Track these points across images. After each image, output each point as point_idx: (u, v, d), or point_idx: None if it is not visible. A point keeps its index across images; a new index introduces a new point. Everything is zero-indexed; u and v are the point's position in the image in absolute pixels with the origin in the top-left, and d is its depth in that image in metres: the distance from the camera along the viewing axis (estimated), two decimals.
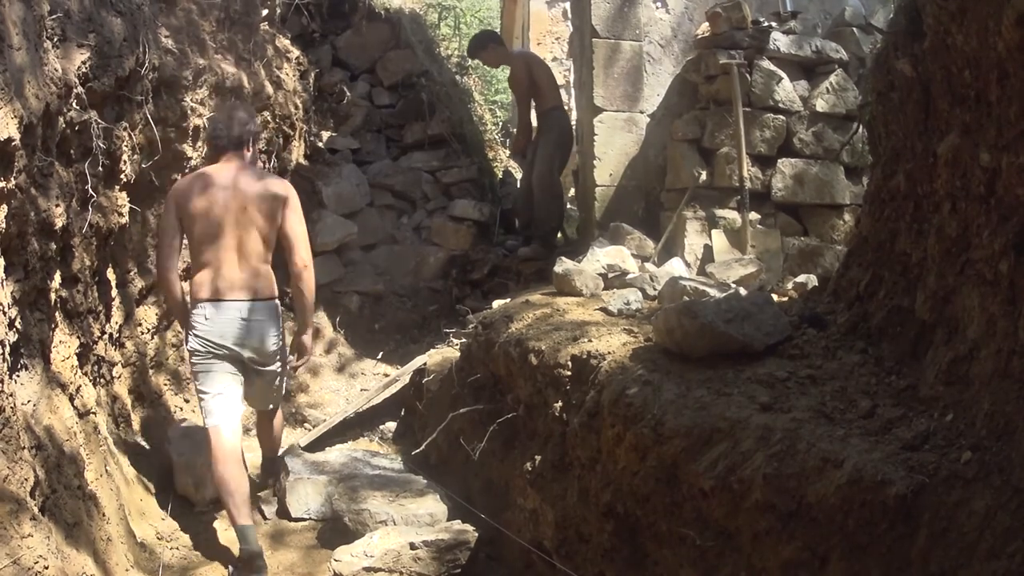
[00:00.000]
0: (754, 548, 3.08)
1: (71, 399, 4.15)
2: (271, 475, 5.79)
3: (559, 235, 8.62)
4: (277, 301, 5.12)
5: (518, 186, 9.29)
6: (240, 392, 5.07)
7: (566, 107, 9.71)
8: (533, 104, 8.37)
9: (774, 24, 6.86)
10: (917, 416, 2.98)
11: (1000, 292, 2.76)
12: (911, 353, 3.38)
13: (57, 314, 4.22)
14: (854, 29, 7.12)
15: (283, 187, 5.13)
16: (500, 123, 12.47)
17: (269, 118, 7.18)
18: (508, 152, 8.85)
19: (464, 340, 6.00)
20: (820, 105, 6.76)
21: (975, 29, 2.80)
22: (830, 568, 2.77)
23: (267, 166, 6.93)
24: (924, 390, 3.11)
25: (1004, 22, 2.58)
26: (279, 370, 5.25)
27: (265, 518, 5.50)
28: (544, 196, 7.94)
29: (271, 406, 5.47)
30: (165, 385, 6.20)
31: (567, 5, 15.86)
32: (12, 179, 3.45)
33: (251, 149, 5.18)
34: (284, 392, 5.54)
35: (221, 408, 4.91)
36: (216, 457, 4.80)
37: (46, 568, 3.01)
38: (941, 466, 2.61)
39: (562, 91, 16.59)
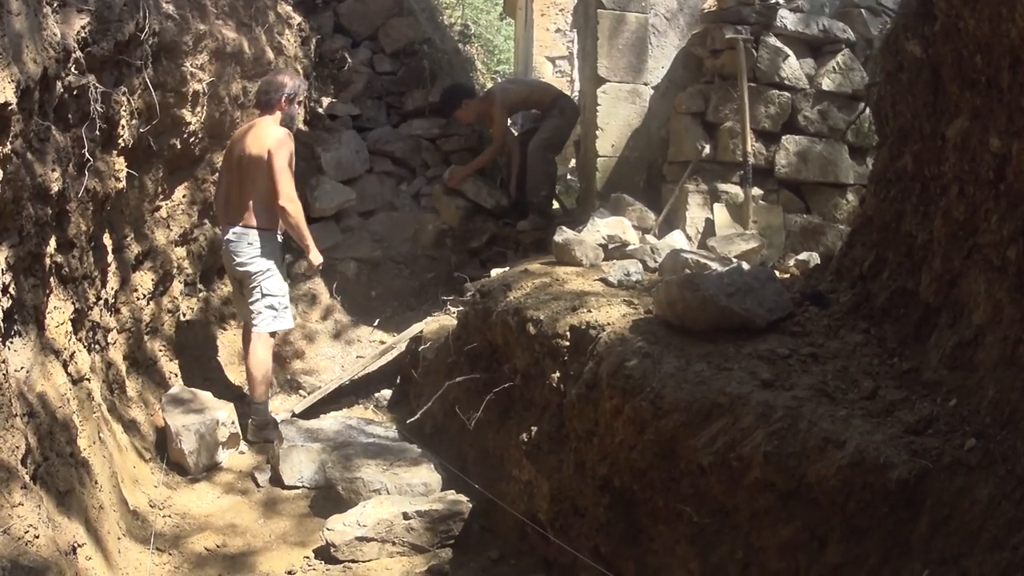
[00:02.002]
0: (752, 526, 3.08)
1: (65, 365, 4.12)
2: (255, 423, 6.04)
3: (556, 205, 8.58)
4: (251, 229, 5.93)
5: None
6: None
7: (569, 79, 9.61)
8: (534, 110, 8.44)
9: (781, 1, 6.79)
10: (920, 400, 2.97)
11: (1008, 278, 2.74)
12: (914, 335, 3.36)
13: (52, 279, 4.18)
14: (862, 10, 7.07)
15: (272, 137, 5.87)
16: None
17: None
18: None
19: (462, 308, 5.97)
20: (826, 84, 6.71)
21: (987, 15, 2.77)
22: (829, 550, 2.77)
23: None
24: (927, 373, 3.10)
25: (1018, 9, 2.55)
26: (253, 286, 6.00)
27: (258, 486, 5.49)
28: (535, 162, 7.89)
29: (251, 321, 6.08)
30: (160, 351, 6.18)
31: None
32: (8, 144, 3.41)
33: (283, 108, 6.06)
34: (265, 319, 6.04)
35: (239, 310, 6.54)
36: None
37: (37, 537, 2.98)
38: (944, 452, 2.60)
39: (565, 62, 16.60)
